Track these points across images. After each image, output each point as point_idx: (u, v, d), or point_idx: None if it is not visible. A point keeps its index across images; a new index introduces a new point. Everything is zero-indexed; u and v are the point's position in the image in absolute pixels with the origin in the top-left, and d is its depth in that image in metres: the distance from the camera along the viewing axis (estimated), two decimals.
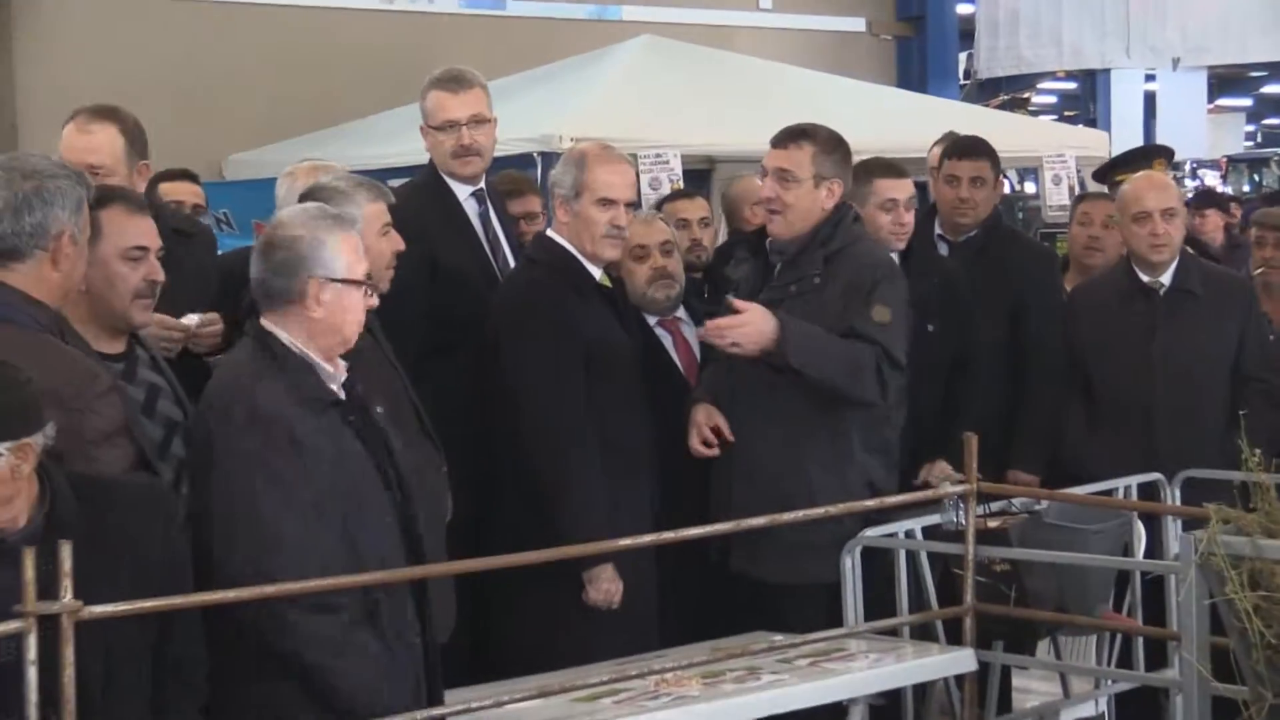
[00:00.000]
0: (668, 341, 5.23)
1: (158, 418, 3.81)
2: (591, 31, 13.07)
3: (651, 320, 5.21)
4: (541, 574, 4.25)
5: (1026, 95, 20.45)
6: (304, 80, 12.02)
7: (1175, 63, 16.49)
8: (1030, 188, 13.08)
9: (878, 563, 4.58)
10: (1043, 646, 4.88)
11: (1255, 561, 3.54)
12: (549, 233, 4.86)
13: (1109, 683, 4.84)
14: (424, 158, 5.30)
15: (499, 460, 4.69)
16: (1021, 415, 5.61)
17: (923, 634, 4.53)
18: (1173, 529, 4.81)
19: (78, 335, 3.62)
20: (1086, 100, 19.75)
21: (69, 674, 3.03)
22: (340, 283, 3.65)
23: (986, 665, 4.52)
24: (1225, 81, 23.64)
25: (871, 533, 4.54)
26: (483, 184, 5.19)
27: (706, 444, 4.76)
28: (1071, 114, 22.55)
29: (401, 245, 4.32)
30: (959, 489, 4.39)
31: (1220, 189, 18.48)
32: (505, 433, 4.65)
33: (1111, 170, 7.25)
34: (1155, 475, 5.05)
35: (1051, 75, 19.78)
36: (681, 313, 5.28)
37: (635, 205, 5.02)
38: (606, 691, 3.91)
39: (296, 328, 3.64)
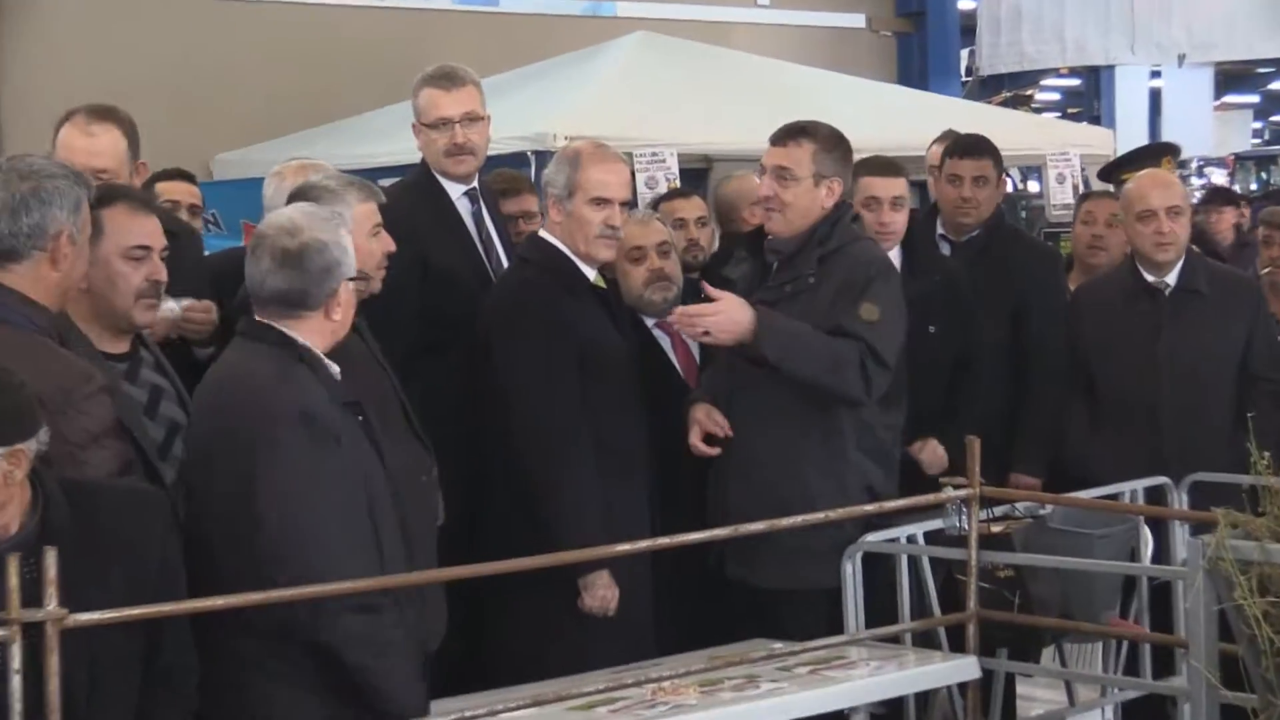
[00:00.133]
0: (666, 343, 5.19)
1: (160, 419, 3.84)
2: (586, 28, 13.01)
3: (650, 322, 5.16)
4: (535, 579, 4.21)
5: (1029, 92, 20.41)
6: (294, 78, 11.94)
7: (1181, 59, 16.44)
8: (1034, 186, 13.04)
9: (878, 568, 4.54)
10: (1047, 654, 4.87)
11: (1264, 566, 3.55)
12: (542, 233, 4.81)
13: (1115, 691, 4.81)
14: (416, 156, 5.26)
15: (490, 460, 4.65)
16: (1023, 416, 5.60)
17: (925, 641, 4.48)
18: (1180, 534, 4.81)
19: (81, 335, 3.64)
20: (1090, 97, 19.72)
21: (54, 683, 3.00)
22: (350, 281, 3.72)
23: (990, 673, 4.50)
24: (1232, 78, 23.55)
25: (873, 538, 4.50)
26: (476, 183, 5.14)
27: (706, 442, 4.70)
28: (1075, 111, 22.50)
29: (392, 246, 4.27)
30: (961, 493, 4.35)
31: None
32: (496, 433, 4.60)
33: (1118, 168, 7.25)
34: (1162, 479, 5.02)
35: (1055, 72, 19.74)
36: None
37: (630, 205, 4.97)
38: (602, 700, 3.88)
39: (309, 330, 3.64)
